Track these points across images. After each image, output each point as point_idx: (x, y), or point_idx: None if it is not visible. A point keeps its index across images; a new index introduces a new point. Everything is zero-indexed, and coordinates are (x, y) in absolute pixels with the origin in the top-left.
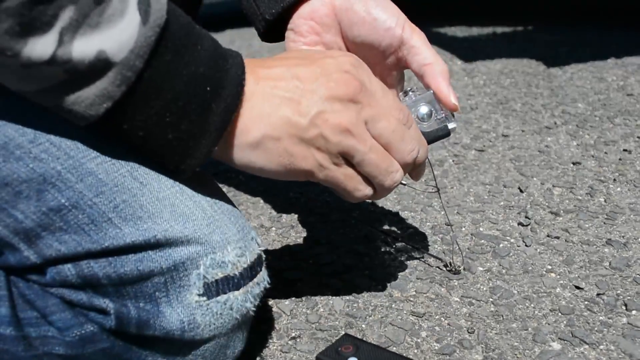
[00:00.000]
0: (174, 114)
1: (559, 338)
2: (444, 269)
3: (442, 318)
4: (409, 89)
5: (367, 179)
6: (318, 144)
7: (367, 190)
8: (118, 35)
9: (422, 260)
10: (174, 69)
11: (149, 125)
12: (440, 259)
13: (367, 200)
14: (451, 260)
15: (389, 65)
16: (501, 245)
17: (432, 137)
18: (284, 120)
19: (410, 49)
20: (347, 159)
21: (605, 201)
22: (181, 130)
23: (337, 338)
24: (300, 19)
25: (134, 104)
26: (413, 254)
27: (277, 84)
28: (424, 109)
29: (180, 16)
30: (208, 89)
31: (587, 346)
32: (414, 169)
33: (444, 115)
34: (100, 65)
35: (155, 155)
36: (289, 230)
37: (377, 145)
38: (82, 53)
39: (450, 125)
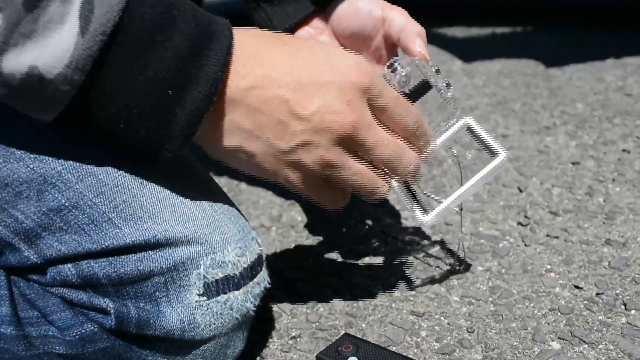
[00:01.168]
0: (128, 122)
1: (558, 337)
2: (444, 268)
3: (441, 317)
4: (394, 60)
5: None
6: (294, 167)
7: (341, 204)
8: (52, 48)
9: (422, 260)
10: (124, 76)
11: (104, 132)
12: (440, 258)
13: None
14: (454, 260)
15: (378, 47)
16: (500, 245)
17: (415, 95)
18: (264, 141)
19: (390, 22)
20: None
21: (604, 201)
22: (140, 137)
23: (337, 337)
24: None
25: (82, 113)
26: (413, 253)
27: (269, 98)
28: (404, 72)
29: (152, 6)
30: (170, 92)
31: (586, 345)
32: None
33: (442, 83)
34: (33, 81)
35: (121, 154)
36: (289, 230)
37: (363, 169)
38: (13, 68)
39: (448, 94)
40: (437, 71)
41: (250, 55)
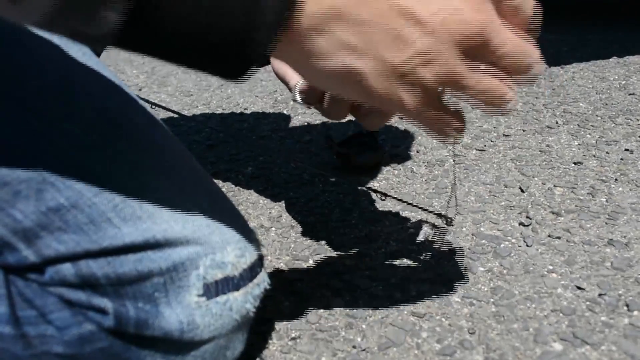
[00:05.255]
0: (207, 12)
1: (560, 339)
2: (440, 218)
3: (442, 318)
4: None
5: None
6: (410, 85)
7: (453, 132)
8: None
9: (424, 258)
10: None
11: (179, 32)
12: (432, 211)
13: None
14: (445, 212)
15: None
16: (502, 245)
17: None
18: (374, 57)
19: None
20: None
21: (606, 201)
22: (223, 27)
23: None
24: None
25: (150, 12)
26: (406, 213)
27: (378, 5)
28: None
29: None
30: None
31: (588, 347)
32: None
33: None
34: None
35: (199, 64)
36: (288, 230)
37: (486, 78)
38: None
39: None
40: None
41: None
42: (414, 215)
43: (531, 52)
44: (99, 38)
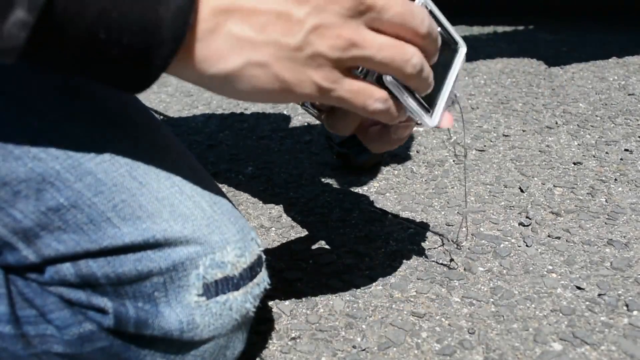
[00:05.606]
0: (108, 29)
1: (560, 338)
2: (448, 241)
3: (442, 318)
4: None
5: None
6: (315, 63)
7: (379, 103)
8: None
9: (424, 258)
10: None
11: (83, 50)
12: (442, 235)
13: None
14: (456, 238)
15: None
16: (502, 245)
17: None
18: (272, 44)
19: None
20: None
21: (606, 201)
22: (124, 46)
23: None
24: None
25: (55, 31)
26: (413, 230)
27: None
28: None
29: None
30: None
31: (588, 347)
32: (433, 45)
33: None
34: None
35: (110, 79)
36: (289, 230)
37: (385, 40)
38: None
39: None
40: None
41: None
42: (413, 215)
43: (419, 13)
44: (5, 52)
